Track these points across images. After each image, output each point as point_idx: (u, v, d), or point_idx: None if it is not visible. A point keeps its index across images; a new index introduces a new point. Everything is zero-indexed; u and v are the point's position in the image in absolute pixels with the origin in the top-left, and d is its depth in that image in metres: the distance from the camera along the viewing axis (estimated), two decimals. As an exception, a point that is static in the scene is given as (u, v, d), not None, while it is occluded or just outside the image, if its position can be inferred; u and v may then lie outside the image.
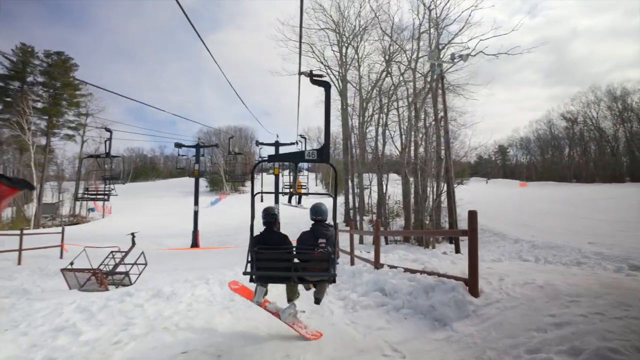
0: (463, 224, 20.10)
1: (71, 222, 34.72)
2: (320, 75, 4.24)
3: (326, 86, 4.10)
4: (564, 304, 3.20)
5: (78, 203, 37.40)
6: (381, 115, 22.85)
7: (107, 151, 11.43)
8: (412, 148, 20.32)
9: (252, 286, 4.11)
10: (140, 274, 7.68)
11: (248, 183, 78.37)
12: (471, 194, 26.37)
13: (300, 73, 4.80)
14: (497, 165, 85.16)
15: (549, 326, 2.87)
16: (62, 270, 6.78)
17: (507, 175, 78.96)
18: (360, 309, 4.52)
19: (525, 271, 4.68)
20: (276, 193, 15.15)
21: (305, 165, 22.71)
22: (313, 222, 4.04)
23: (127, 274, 7.26)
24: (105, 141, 13.20)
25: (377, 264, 5.97)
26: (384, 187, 21.67)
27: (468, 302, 3.68)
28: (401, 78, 21.86)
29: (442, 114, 17.84)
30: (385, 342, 3.42)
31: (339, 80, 27.54)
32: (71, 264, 6.79)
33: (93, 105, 41.19)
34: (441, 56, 17.81)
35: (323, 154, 3.98)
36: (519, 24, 52.63)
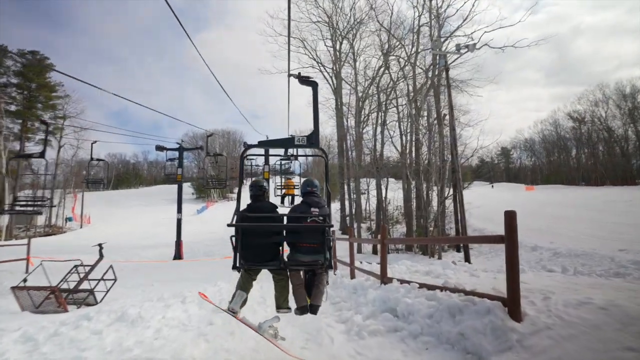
0: (470, 232, 19.57)
1: (46, 232, 33.65)
2: (308, 77, 4.73)
3: (314, 85, 4.54)
4: (642, 333, 2.55)
5: (54, 212, 36.36)
6: (379, 113, 22.27)
7: (43, 150, 10.31)
8: (414, 149, 19.75)
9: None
10: (107, 291, 6.92)
11: (236, 190, 77.20)
12: (476, 199, 25.90)
13: (289, 75, 5.30)
14: (499, 169, 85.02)
15: (631, 365, 2.21)
16: (13, 288, 6.01)
17: (510, 178, 78.82)
18: (367, 336, 3.83)
19: (572, 286, 4.03)
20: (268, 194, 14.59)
21: (297, 170, 21.94)
22: (304, 194, 3.94)
23: (91, 291, 6.50)
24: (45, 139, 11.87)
25: (384, 278, 5.28)
26: (383, 191, 21.03)
27: (509, 328, 3.00)
28: (400, 73, 21.35)
29: (446, 110, 17.33)
30: (404, 384, 2.74)
31: (333, 78, 26.97)
32: (24, 280, 6.02)
33: (71, 108, 40.28)
34: (444, 48, 17.32)
35: (312, 138, 4.19)
36: (526, 16, 52.86)
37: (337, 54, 26.21)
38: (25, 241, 14.54)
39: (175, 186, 20.30)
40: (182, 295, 6.48)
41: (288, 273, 3.75)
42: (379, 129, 22.28)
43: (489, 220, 22.08)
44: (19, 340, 4.16)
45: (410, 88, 20.78)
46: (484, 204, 22.53)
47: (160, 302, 6.13)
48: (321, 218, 3.59)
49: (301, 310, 3.58)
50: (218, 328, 4.52)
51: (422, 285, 4.41)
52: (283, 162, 13.73)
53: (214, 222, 39.71)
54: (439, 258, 14.66)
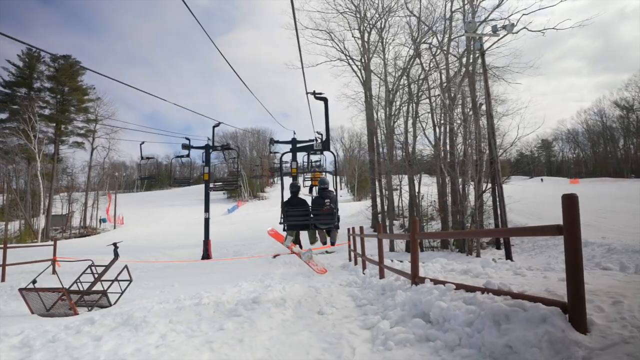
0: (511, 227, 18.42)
1: (81, 234, 34.96)
2: (321, 93, 8.05)
3: (325, 100, 7.45)
4: None
5: (89, 214, 37.77)
6: (410, 105, 21.37)
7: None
8: (448, 141, 18.79)
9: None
10: (122, 293, 6.72)
11: (267, 189, 78.19)
12: (516, 193, 24.55)
13: (307, 93, 8.62)
14: (540, 162, 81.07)
15: None
16: (21, 290, 5.88)
17: (552, 172, 75.00)
18: (394, 346, 3.28)
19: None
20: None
21: (327, 167, 21.65)
22: (320, 190, 7.88)
23: (104, 292, 6.31)
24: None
25: (416, 278, 4.70)
26: (416, 186, 20.18)
27: (573, 342, 2.39)
28: (433, 63, 20.37)
29: (482, 99, 16.33)
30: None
31: (362, 70, 26.26)
32: (34, 282, 5.88)
33: (102, 111, 41.70)
34: (479, 31, 16.31)
35: (325, 145, 8.42)
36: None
37: (366, 44, 25.45)
38: (49, 242, 14.92)
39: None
40: (199, 297, 6.20)
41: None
42: (410, 122, 21.41)
43: (530, 215, 20.82)
44: (15, 346, 3.96)
45: (444, 77, 19.81)
46: (524, 198, 21.21)
47: (174, 304, 5.88)
48: (331, 205, 7.56)
49: (324, 242, 8.35)
50: (228, 334, 4.11)
51: (459, 287, 3.80)
52: (312, 158, 17.55)
53: (244, 221, 40.04)
54: (478, 255, 13.78)
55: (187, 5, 6.51)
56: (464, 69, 18.81)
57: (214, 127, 19.65)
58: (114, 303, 6.46)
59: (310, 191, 16.50)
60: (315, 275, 9.42)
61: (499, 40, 17.36)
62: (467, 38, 16.81)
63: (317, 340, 3.73)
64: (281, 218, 7.41)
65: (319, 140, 17.81)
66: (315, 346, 3.57)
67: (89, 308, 6.08)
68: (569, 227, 2.60)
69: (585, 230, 13.75)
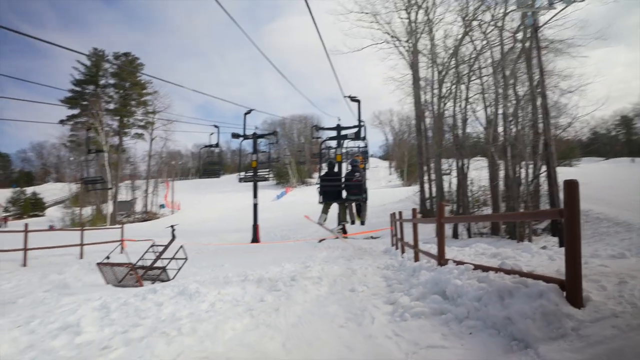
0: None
1: (143, 218, 38.21)
2: (355, 96, 13.46)
3: (358, 101, 12.79)
4: None
5: (149, 200, 41.07)
6: (458, 86, 20.77)
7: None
8: (500, 123, 18.16)
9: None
10: (179, 270, 7.66)
11: (315, 175, 79.48)
12: (584, 176, 23.14)
13: (344, 97, 13.57)
14: (618, 142, 74.39)
15: None
16: (98, 264, 6.98)
17: (633, 153, 68.60)
18: (410, 318, 3.69)
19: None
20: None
21: (368, 151, 21.80)
22: (352, 166, 11.60)
23: (164, 269, 7.26)
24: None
25: (441, 259, 5.03)
26: (465, 170, 19.77)
27: (564, 314, 2.67)
28: (485, 41, 19.55)
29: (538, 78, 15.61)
30: (433, 367, 2.60)
31: (409, 52, 25.84)
32: (107, 257, 6.94)
33: (159, 103, 44.71)
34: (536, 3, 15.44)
35: (358, 135, 13.48)
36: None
37: (413, 25, 24.96)
38: (118, 226, 16.79)
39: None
40: (245, 275, 6.93)
41: (346, 204, 12.20)
42: (461, 104, 20.87)
43: (599, 201, 19.61)
44: (96, 308, 4.83)
45: (497, 55, 18.99)
46: (591, 182, 20.01)
47: (222, 280, 6.64)
48: (360, 178, 10.93)
49: (352, 221, 12.83)
50: (267, 305, 4.74)
51: (477, 267, 4.10)
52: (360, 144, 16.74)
53: (291, 207, 41.40)
54: (529, 242, 13.46)
55: (221, 5, 7.09)
56: (520, 45, 17.94)
57: (245, 114, 19.87)
58: (172, 278, 7.39)
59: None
60: (355, 258, 9.89)
61: (560, 12, 16.33)
62: (522, 14, 16.01)
63: (343, 312, 4.24)
64: (318, 189, 10.91)
65: (364, 126, 18.17)
66: (341, 316, 4.08)
67: (152, 281, 7.04)
68: (569, 211, 2.84)
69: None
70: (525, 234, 14.21)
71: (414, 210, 8.21)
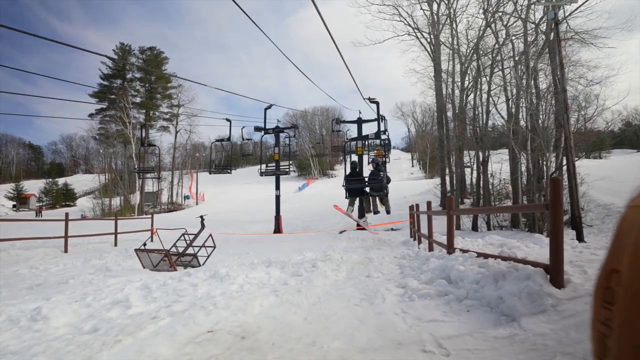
0: (593, 207, 17.52)
1: (169, 209, 39.70)
2: (373, 98, 17.14)
3: (377, 103, 16.36)
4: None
5: (175, 191, 42.57)
6: (480, 79, 20.76)
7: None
8: (522, 116, 18.13)
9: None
10: (208, 257, 8.34)
11: (337, 167, 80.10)
12: (611, 170, 22.76)
13: (363, 99, 16.98)
14: (653, 133, 71.60)
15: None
16: (136, 250, 7.73)
17: (668, 143, 65.99)
18: (417, 298, 4.19)
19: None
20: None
21: (390, 144, 22.10)
22: (375, 167, 13.04)
23: (195, 255, 7.94)
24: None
25: (450, 249, 5.49)
26: (487, 164, 19.86)
27: (546, 293, 3.11)
28: (507, 33, 19.42)
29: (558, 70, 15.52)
30: (431, 335, 3.10)
31: (431, 44, 25.88)
32: (144, 244, 7.67)
33: (183, 96, 45.95)
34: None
35: (378, 135, 16.99)
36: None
37: (435, 17, 24.96)
38: (148, 216, 17.78)
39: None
40: (269, 262, 7.55)
41: (370, 198, 13.30)
42: (483, 97, 20.88)
43: (623, 193, 19.37)
44: (139, 288, 5.51)
45: (521, 48, 18.89)
46: (615, 175, 19.78)
47: (249, 266, 7.27)
48: (382, 178, 12.45)
49: (375, 212, 13.62)
50: (290, 287, 5.33)
51: (479, 254, 4.55)
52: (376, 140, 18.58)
53: (313, 198, 42.10)
54: (547, 236, 13.61)
55: (237, 4, 7.56)
56: (543, 37, 17.83)
57: (265, 109, 20.32)
58: (202, 264, 8.08)
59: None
60: (373, 248, 10.40)
61: (584, 3, 16.14)
62: (544, 6, 15.91)
63: (358, 293, 4.77)
64: (344, 187, 12.72)
65: (384, 119, 18.52)
66: (356, 297, 4.61)
67: (184, 267, 7.75)
68: (553, 205, 3.27)
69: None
70: (544, 228, 14.35)
71: (428, 202, 8.59)
